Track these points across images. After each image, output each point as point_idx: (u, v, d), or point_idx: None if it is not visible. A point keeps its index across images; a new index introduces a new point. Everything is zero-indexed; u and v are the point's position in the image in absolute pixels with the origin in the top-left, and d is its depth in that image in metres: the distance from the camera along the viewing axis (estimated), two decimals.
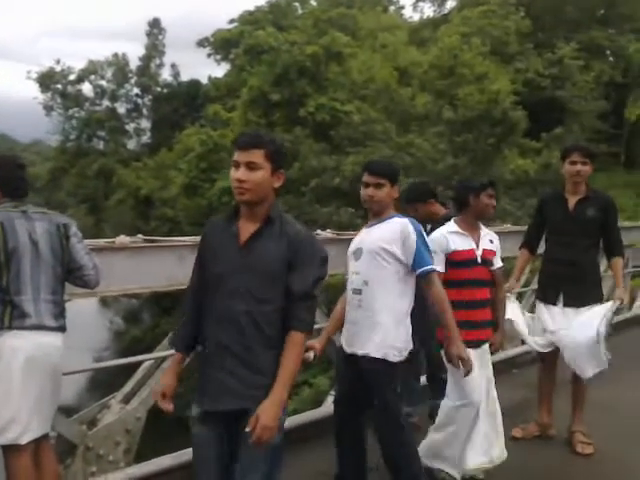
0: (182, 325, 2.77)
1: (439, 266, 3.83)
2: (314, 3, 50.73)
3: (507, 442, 4.27)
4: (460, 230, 4.04)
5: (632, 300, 10.35)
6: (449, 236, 4.01)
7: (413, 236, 3.45)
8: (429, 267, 3.48)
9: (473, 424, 3.86)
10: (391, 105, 28.87)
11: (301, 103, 31.98)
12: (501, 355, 6.49)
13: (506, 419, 4.29)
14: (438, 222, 4.64)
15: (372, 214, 3.62)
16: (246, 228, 2.62)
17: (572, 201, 4.49)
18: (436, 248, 3.86)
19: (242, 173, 2.53)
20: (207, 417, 2.62)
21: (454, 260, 3.98)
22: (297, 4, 50.87)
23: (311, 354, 3.38)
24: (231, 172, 2.57)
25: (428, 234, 3.98)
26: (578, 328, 4.46)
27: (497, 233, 4.38)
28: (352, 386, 3.59)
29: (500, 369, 6.02)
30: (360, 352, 3.47)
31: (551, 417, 4.83)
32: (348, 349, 3.56)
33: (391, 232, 3.48)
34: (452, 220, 4.17)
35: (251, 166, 2.54)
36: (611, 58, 44.82)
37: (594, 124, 36.55)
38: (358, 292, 3.48)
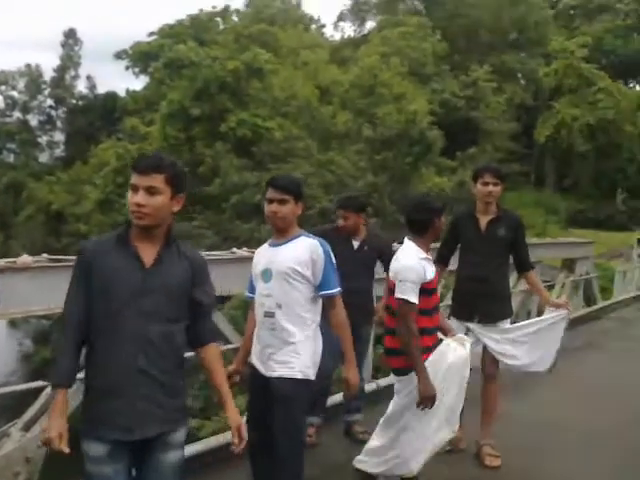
0: (63, 357, 2.50)
1: (414, 297, 3.64)
2: (236, 19, 50.72)
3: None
4: (427, 255, 3.83)
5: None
6: (423, 263, 3.76)
7: (322, 257, 3.38)
8: (336, 290, 3.44)
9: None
10: (312, 122, 29.14)
11: (222, 118, 31.78)
12: None
13: None
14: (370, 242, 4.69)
15: (276, 231, 3.48)
16: (146, 250, 2.53)
17: (483, 221, 4.56)
18: (415, 278, 3.66)
19: (141, 197, 2.45)
20: (114, 451, 2.47)
21: (428, 288, 3.76)
22: (219, 19, 50.66)
23: (237, 379, 3.36)
24: (129, 195, 2.49)
25: (388, 263, 3.96)
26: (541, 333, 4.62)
27: None
28: (265, 408, 3.50)
29: None
30: (275, 374, 3.38)
31: (462, 430, 4.86)
32: (264, 372, 3.46)
33: (301, 253, 3.37)
34: (411, 244, 3.86)
35: (151, 191, 2.46)
36: (522, 81, 47.13)
37: (506, 144, 38.23)
38: (271, 315, 3.38)
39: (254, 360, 3.53)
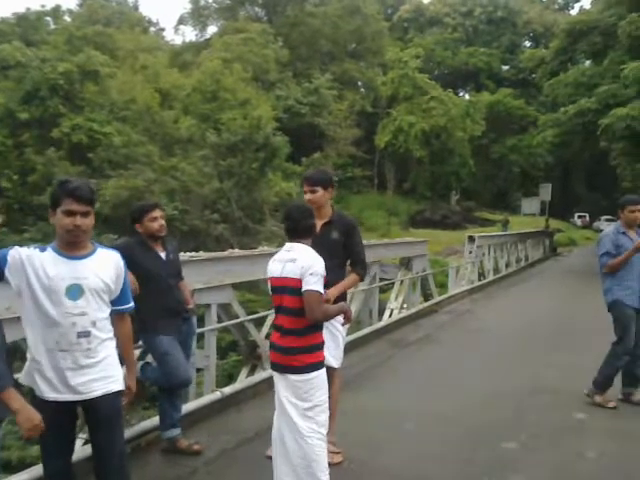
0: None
1: (322, 289, 3.61)
2: (68, 19, 47.92)
3: (262, 459, 4.18)
4: None
5: (381, 312, 11.06)
6: None
7: (124, 271, 3.25)
8: (131, 305, 3.33)
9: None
10: (153, 127, 28.14)
11: (55, 123, 29.74)
12: (262, 375, 6.34)
13: (261, 439, 4.18)
14: None
15: (77, 244, 3.11)
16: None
17: (318, 224, 4.54)
18: (323, 272, 3.64)
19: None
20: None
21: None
22: (49, 19, 47.61)
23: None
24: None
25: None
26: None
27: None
28: (66, 434, 3.19)
29: (263, 388, 5.97)
30: (98, 393, 3.06)
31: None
32: (79, 396, 3.07)
33: (108, 266, 3.15)
34: (305, 246, 3.76)
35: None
36: (362, 89, 49.04)
37: (349, 149, 39.53)
38: (86, 335, 3.05)
39: (52, 386, 3.10)
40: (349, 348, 8.13)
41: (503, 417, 5.59)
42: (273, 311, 3.93)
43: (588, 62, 29.51)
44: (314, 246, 3.88)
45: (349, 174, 41.03)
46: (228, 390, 5.79)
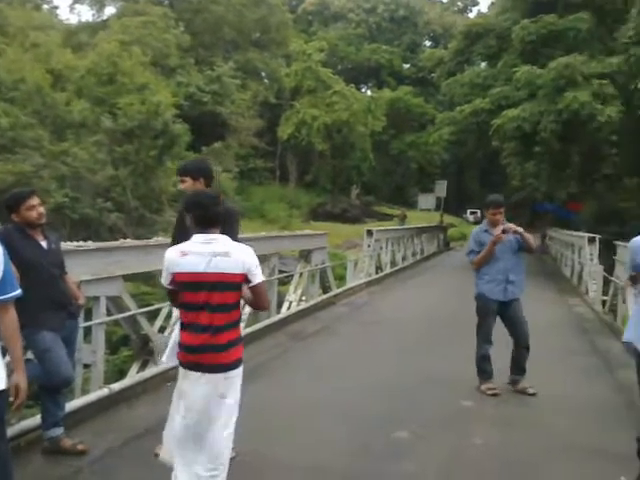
0: None
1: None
2: None
3: (150, 459, 3.96)
4: None
5: (280, 303, 11.03)
6: None
7: (3, 256, 3.00)
8: (15, 293, 3.08)
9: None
10: (44, 110, 26.56)
11: None
12: (154, 370, 6.12)
13: (151, 435, 4.07)
14: None
15: None
16: None
17: None
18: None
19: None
20: None
21: None
22: None
23: None
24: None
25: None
26: None
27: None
28: None
29: (155, 383, 5.80)
30: None
31: None
32: None
33: None
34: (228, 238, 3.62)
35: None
36: (266, 80, 48.71)
37: (251, 140, 39.15)
38: None
39: None
40: (246, 341, 8.03)
41: (396, 407, 5.70)
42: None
43: (484, 64, 30.75)
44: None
45: (251, 165, 40.68)
46: (117, 386, 5.55)
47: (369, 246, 16.66)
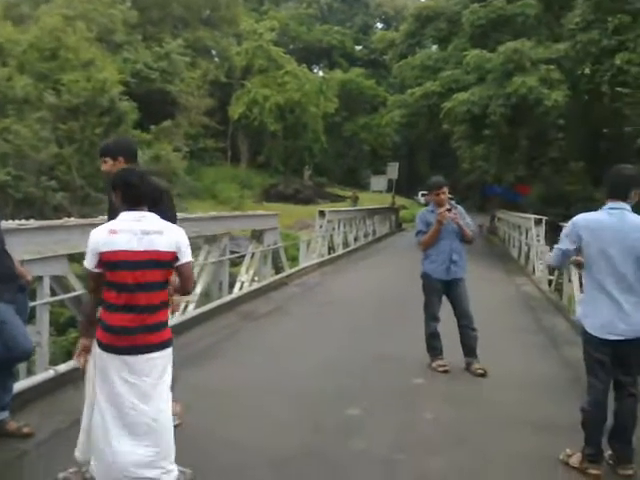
0: None
1: None
2: None
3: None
4: None
5: (232, 284, 10.93)
6: None
7: None
8: None
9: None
10: None
11: None
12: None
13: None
14: None
15: None
16: None
17: None
18: None
19: None
20: None
21: None
22: None
23: None
24: None
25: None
26: None
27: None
28: None
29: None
30: None
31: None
32: None
33: None
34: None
35: None
36: (216, 58, 47.86)
37: (201, 120, 38.47)
38: None
39: None
40: (197, 321, 7.94)
41: (348, 385, 5.72)
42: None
43: (435, 47, 30.94)
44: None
45: (202, 145, 40.01)
46: (63, 367, 5.38)
47: (321, 227, 16.65)
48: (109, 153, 4.25)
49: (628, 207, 3.99)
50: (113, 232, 3.35)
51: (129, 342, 3.36)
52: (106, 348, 3.39)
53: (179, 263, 3.46)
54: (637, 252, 3.89)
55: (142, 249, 3.34)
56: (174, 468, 3.49)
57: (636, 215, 3.97)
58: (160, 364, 3.45)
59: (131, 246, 3.33)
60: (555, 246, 4.40)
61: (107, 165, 4.24)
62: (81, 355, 3.54)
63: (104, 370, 3.40)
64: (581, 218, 4.13)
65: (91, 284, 3.53)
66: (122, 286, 3.36)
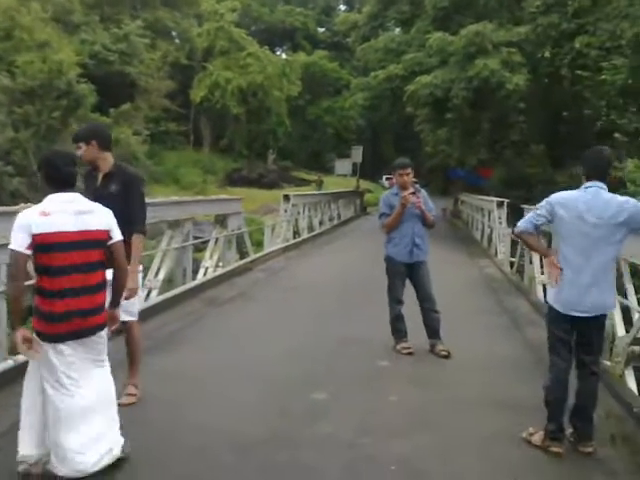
0: None
1: None
2: None
3: None
4: None
5: (196, 271, 10.80)
6: None
7: None
8: None
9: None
10: None
11: None
12: None
13: None
14: None
15: None
16: None
17: (100, 176, 4.53)
18: None
19: None
20: None
21: None
22: None
23: None
24: None
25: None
26: None
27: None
28: None
29: None
30: None
31: None
32: None
33: None
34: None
35: None
36: (177, 40, 46.99)
37: (162, 103, 37.78)
38: None
39: None
40: (161, 308, 7.83)
41: (313, 369, 5.72)
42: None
43: (398, 30, 30.87)
44: (95, 199, 3.66)
45: (163, 128, 39.33)
46: (22, 357, 5.22)
47: (286, 211, 16.58)
48: (82, 138, 4.41)
49: (604, 186, 4.03)
50: (45, 214, 3.28)
51: (81, 325, 3.36)
52: (47, 338, 3.33)
53: (112, 242, 3.50)
54: (607, 228, 3.93)
55: (76, 229, 3.33)
56: (120, 439, 3.60)
57: (610, 193, 4.02)
58: (100, 346, 3.53)
59: (67, 227, 3.30)
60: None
61: (81, 150, 4.39)
62: (28, 348, 3.33)
63: (48, 361, 3.35)
64: (557, 195, 4.16)
65: (16, 268, 3.27)
66: (58, 269, 3.28)
